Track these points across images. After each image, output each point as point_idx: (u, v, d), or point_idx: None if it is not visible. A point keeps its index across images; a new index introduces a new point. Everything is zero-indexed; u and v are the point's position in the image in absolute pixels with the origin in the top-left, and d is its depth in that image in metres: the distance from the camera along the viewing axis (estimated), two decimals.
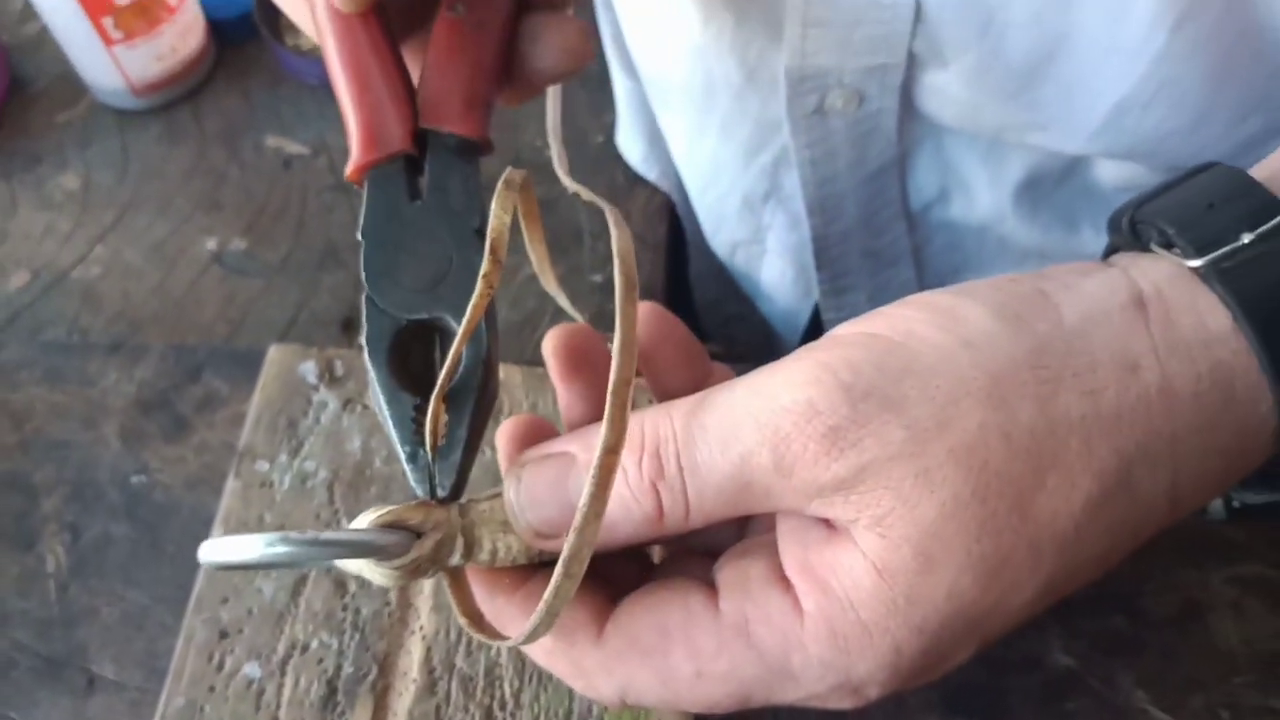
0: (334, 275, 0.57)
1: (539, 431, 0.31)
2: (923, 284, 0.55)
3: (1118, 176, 0.46)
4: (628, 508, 0.27)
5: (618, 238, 0.28)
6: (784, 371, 0.26)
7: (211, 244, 0.59)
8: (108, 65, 0.62)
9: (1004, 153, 0.48)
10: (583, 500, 0.25)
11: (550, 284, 0.35)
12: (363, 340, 0.29)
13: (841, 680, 0.26)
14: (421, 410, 0.28)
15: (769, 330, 0.65)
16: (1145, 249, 0.28)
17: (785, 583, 0.26)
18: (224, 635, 0.42)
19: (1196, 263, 0.26)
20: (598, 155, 0.63)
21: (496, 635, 0.29)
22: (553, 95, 0.44)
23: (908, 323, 0.26)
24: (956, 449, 0.24)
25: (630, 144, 0.62)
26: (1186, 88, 0.39)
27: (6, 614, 0.45)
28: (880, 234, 0.52)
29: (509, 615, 0.29)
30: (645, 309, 0.32)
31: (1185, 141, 0.41)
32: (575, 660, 0.29)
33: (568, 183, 0.36)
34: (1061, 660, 0.41)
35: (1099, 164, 0.46)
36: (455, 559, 0.28)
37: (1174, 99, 0.39)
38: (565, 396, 0.32)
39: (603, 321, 0.55)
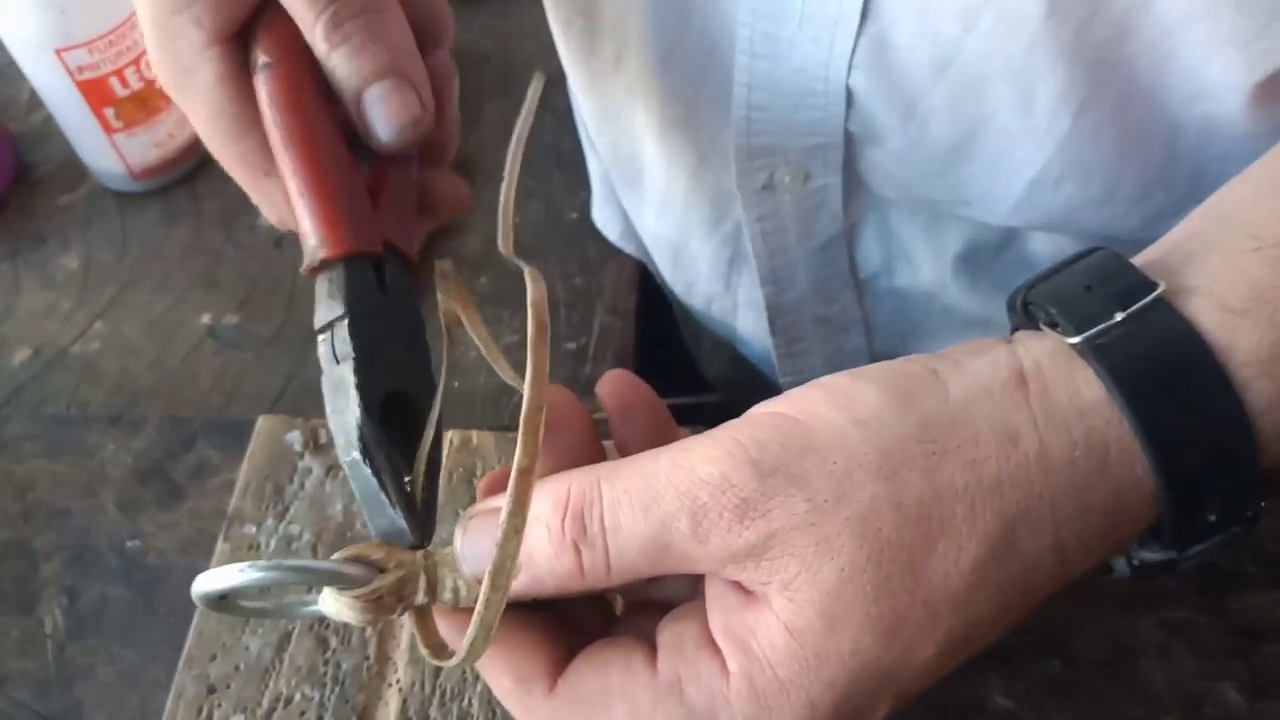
0: None
1: None
2: (873, 349, 0.58)
3: (1050, 248, 0.49)
4: (550, 564, 0.29)
5: (532, 289, 0.32)
6: (703, 446, 0.29)
7: (206, 319, 0.62)
8: (109, 152, 0.65)
9: (944, 225, 0.51)
10: (502, 518, 0.28)
11: (500, 364, 0.38)
12: (353, 405, 0.32)
13: None
14: (408, 470, 0.32)
15: (757, 372, 0.68)
16: (1036, 327, 0.31)
17: (714, 645, 0.29)
18: (212, 690, 0.44)
19: (1075, 339, 0.29)
20: (572, 231, 0.66)
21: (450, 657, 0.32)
22: (510, 165, 0.47)
23: (808, 403, 0.29)
24: (852, 519, 0.27)
25: (607, 221, 0.65)
26: (1091, 167, 0.42)
27: (7, 674, 0.47)
28: (831, 302, 0.55)
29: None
30: (614, 374, 0.36)
31: (1095, 215, 0.44)
32: (529, 708, 0.31)
33: (504, 251, 0.39)
34: (1001, 703, 0.43)
35: (1033, 237, 0.50)
36: (419, 598, 0.32)
37: (1080, 177, 0.42)
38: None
39: (575, 386, 0.58)
